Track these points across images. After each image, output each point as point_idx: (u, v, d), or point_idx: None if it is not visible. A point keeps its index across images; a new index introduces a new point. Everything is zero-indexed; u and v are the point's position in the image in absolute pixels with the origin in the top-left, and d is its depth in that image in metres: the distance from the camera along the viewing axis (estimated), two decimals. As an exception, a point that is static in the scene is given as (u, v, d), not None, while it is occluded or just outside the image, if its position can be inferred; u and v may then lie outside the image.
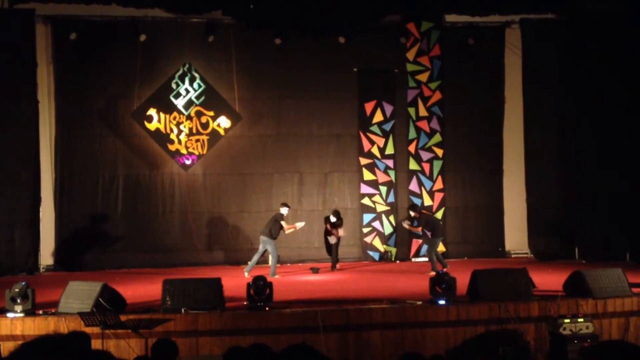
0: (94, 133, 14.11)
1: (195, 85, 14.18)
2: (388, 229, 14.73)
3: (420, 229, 12.67)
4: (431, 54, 14.96)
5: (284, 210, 12.64)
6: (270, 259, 12.48)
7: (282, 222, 12.48)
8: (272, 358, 3.81)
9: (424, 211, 13.60)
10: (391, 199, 14.82)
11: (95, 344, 6.94)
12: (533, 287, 9.06)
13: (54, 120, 13.88)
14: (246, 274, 11.97)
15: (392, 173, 14.86)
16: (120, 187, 14.15)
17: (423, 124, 14.96)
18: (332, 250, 13.37)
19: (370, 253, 14.66)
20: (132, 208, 14.21)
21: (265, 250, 12.51)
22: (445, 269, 11.40)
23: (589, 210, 14.11)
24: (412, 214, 12.80)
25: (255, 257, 12.46)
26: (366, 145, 14.82)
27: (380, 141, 14.83)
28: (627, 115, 13.78)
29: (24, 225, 13.38)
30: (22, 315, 8.17)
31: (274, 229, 12.43)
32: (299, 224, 12.87)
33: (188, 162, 14.16)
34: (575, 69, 14.30)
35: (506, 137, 15.11)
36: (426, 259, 14.35)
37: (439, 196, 14.91)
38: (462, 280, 9.02)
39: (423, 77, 14.95)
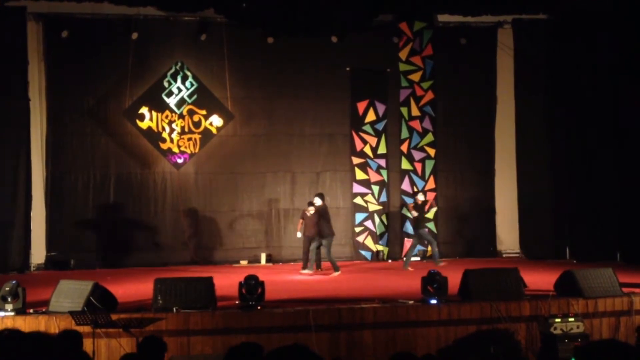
0: (86, 131, 14.06)
1: (187, 83, 14.15)
2: (380, 229, 14.74)
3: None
4: (423, 54, 15.00)
5: (318, 202, 12.61)
6: (311, 253, 12.62)
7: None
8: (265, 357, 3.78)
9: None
10: (383, 198, 14.84)
11: (86, 343, 6.91)
12: (524, 287, 9.09)
13: (45, 119, 13.82)
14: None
15: (384, 172, 14.87)
16: (111, 186, 14.10)
17: (415, 124, 14.98)
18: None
19: (362, 252, 14.67)
20: (124, 207, 14.16)
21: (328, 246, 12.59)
22: (337, 272, 12.09)
23: (580, 210, 14.14)
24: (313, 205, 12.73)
25: (330, 257, 12.63)
26: (358, 144, 14.83)
27: (373, 140, 14.84)
28: (619, 115, 13.81)
29: (15, 224, 13.30)
30: (12, 314, 8.12)
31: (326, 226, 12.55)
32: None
33: (180, 160, 14.13)
34: (567, 69, 14.32)
35: (498, 137, 15.16)
36: (418, 258, 14.38)
37: (430, 196, 14.91)
38: (454, 279, 9.04)
39: (415, 77, 14.97)
